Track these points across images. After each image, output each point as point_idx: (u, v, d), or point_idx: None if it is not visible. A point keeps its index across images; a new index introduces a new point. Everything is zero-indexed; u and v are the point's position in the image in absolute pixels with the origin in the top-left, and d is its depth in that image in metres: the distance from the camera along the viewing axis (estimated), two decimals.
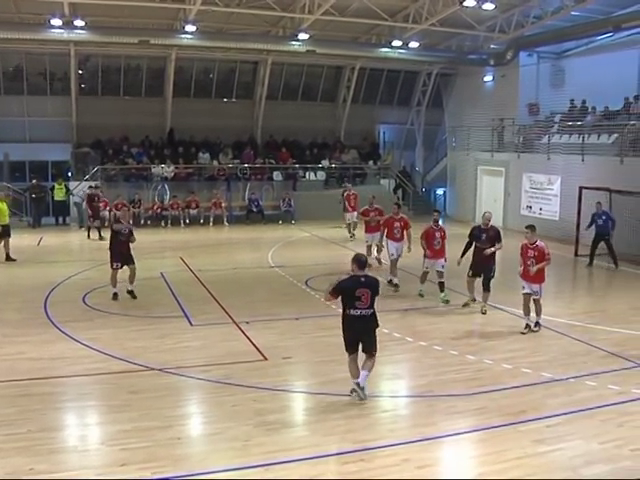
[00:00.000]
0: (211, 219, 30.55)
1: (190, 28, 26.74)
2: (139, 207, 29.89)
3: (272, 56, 32.63)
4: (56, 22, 25.35)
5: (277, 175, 33.62)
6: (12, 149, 30.97)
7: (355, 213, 25.19)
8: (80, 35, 26.77)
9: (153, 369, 11.19)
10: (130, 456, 8.04)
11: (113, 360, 11.63)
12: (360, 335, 9.79)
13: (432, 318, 14.74)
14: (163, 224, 29.90)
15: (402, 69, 35.97)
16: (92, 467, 7.86)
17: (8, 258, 21.32)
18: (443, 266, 16.16)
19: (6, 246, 21.45)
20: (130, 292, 16.38)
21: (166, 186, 31.38)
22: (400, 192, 35.34)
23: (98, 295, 16.59)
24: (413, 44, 30.08)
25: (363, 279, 9.73)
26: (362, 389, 9.69)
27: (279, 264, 20.84)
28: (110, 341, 12.69)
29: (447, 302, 15.92)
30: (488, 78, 33.23)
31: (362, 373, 9.74)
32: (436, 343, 12.70)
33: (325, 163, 34.62)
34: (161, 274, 18.97)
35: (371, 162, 35.83)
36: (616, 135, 25.23)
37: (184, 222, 30.28)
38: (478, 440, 8.70)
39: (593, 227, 21.33)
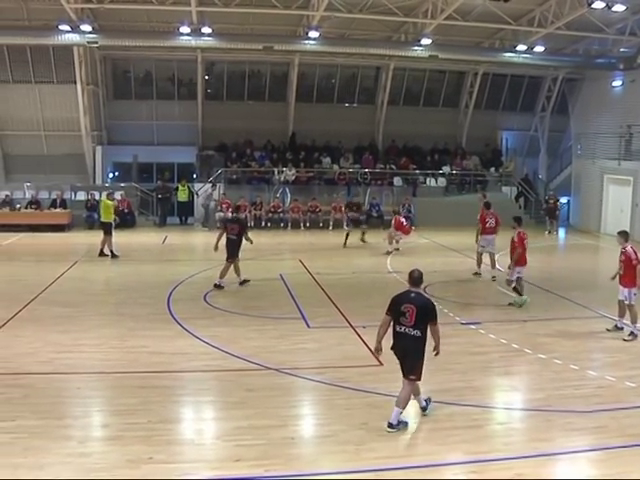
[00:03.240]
0: (331, 223, 30.76)
1: (313, 34, 27.00)
2: (260, 209, 30.48)
3: (394, 61, 32.68)
4: (185, 30, 26.18)
5: (397, 180, 33.54)
6: (141, 151, 32.20)
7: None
8: (207, 42, 27.54)
9: (270, 369, 11.37)
10: (244, 452, 8.21)
11: (231, 358, 11.91)
12: (401, 355, 9.32)
13: (553, 330, 14.22)
14: (283, 226, 30.35)
15: (526, 74, 35.20)
16: (207, 460, 8.09)
17: (102, 254, 22.28)
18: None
19: (106, 242, 22.26)
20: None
21: (287, 189, 31.85)
22: (522, 200, 34.60)
23: (219, 294, 17.06)
24: (538, 48, 29.23)
25: (413, 295, 9.29)
26: (391, 426, 8.99)
27: (397, 270, 20.72)
28: (229, 339, 13.00)
29: None
30: (617, 83, 31.96)
31: (394, 410, 9.11)
32: (556, 356, 12.28)
33: (446, 169, 34.28)
34: (280, 275, 19.26)
35: (492, 169, 35.19)
36: None
37: (304, 225, 30.64)
38: (597, 460, 8.36)
39: None
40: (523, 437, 9.05)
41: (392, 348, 9.37)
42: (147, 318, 14.65)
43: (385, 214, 31.52)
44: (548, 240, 29.61)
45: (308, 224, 30.81)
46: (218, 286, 17.51)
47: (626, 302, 13.67)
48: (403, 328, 9.17)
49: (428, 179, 34.15)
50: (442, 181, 34.16)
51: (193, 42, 27.38)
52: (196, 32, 26.45)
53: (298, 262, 21.81)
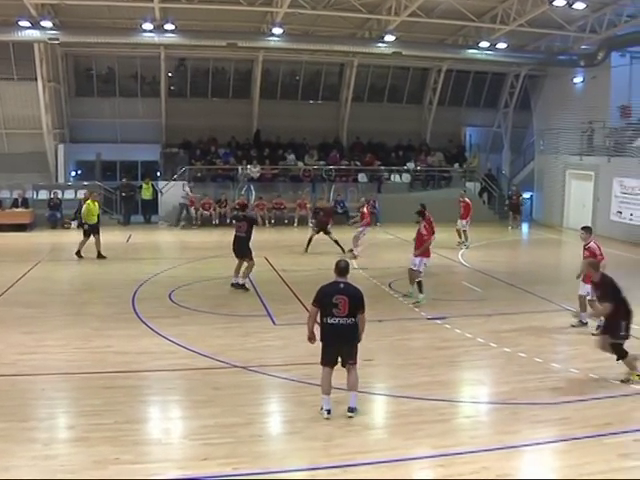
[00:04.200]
0: (296, 220, 30.76)
1: (277, 31, 26.93)
2: (225, 207, 30.39)
3: (358, 58, 32.75)
4: (147, 26, 25.92)
5: (362, 177, 33.63)
6: (104, 149, 31.91)
7: (464, 221, 24.96)
8: (170, 38, 27.31)
9: (236, 367, 11.35)
10: (212, 451, 8.19)
11: (197, 356, 11.86)
12: (338, 346, 9.34)
13: (517, 324, 14.37)
14: None
15: (489, 71, 35.51)
16: (174, 460, 8.05)
17: (100, 255, 21.75)
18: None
19: (97, 244, 21.80)
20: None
21: (252, 187, 31.78)
22: (485, 195, 34.94)
23: (184, 292, 16.96)
24: (501, 45, 29.53)
25: (342, 285, 9.40)
26: (351, 410, 9.27)
27: (363, 266, 20.84)
28: (195, 338, 12.94)
29: None
30: (578, 79, 32.37)
31: (350, 395, 9.36)
32: (521, 350, 12.42)
33: (410, 165, 34.42)
34: None
35: (457, 165, 35.42)
36: None
37: (269, 222, 30.59)
38: (561, 451, 8.49)
39: None
40: (489, 430, 9.16)
41: (322, 340, 9.39)
42: (112, 318, 14.53)
43: (350, 210, 31.66)
44: (511, 235, 29.95)
45: (273, 221, 30.75)
46: (241, 285, 17.28)
47: (588, 297, 13.64)
48: (336, 319, 9.20)
49: (393, 175, 34.28)
50: (407, 177, 34.29)
51: (156, 39, 27.13)
52: (159, 29, 26.22)
53: (263, 259, 21.71)
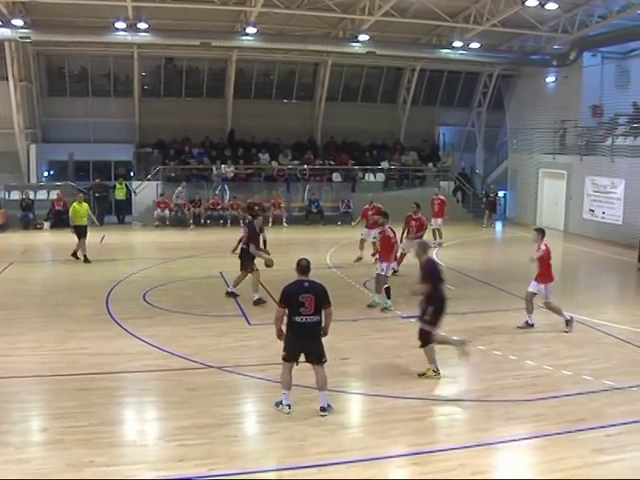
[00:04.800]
0: (270, 219, 30.66)
1: (251, 30, 26.86)
2: (199, 206, 30.29)
3: (332, 57, 32.76)
4: (120, 25, 25.72)
5: (336, 176, 33.65)
6: (77, 149, 31.70)
7: (440, 220, 25.01)
8: (143, 38, 27.11)
9: (211, 367, 11.33)
10: (187, 452, 8.16)
11: (172, 357, 11.82)
12: (305, 344, 9.43)
13: (491, 322, 14.50)
14: (222, 223, 30.14)
15: (463, 70, 35.74)
16: (150, 462, 8.02)
17: (74, 255, 21.55)
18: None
19: (79, 245, 21.55)
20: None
21: (226, 186, 31.68)
22: (459, 194, 35.12)
23: (158, 293, 16.89)
24: (474, 45, 29.69)
25: (307, 284, 9.44)
26: (323, 410, 9.35)
27: (337, 265, 20.89)
28: (170, 338, 12.89)
29: None
30: (550, 79, 32.64)
31: (320, 395, 9.44)
32: (495, 347, 12.54)
33: (384, 165, 34.52)
34: (220, 273, 19.18)
35: (431, 164, 35.57)
36: None
37: (243, 222, 30.46)
38: (536, 447, 8.59)
39: None
40: (465, 427, 9.22)
41: (289, 337, 9.47)
42: (86, 319, 14.46)
43: (324, 209, 31.70)
44: (485, 233, 30.11)
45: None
46: (231, 294, 16.58)
47: (544, 300, 13.89)
48: (304, 318, 9.27)
49: (367, 174, 34.35)
50: (381, 176, 34.37)
51: (129, 38, 26.92)
52: (132, 28, 26.02)
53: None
